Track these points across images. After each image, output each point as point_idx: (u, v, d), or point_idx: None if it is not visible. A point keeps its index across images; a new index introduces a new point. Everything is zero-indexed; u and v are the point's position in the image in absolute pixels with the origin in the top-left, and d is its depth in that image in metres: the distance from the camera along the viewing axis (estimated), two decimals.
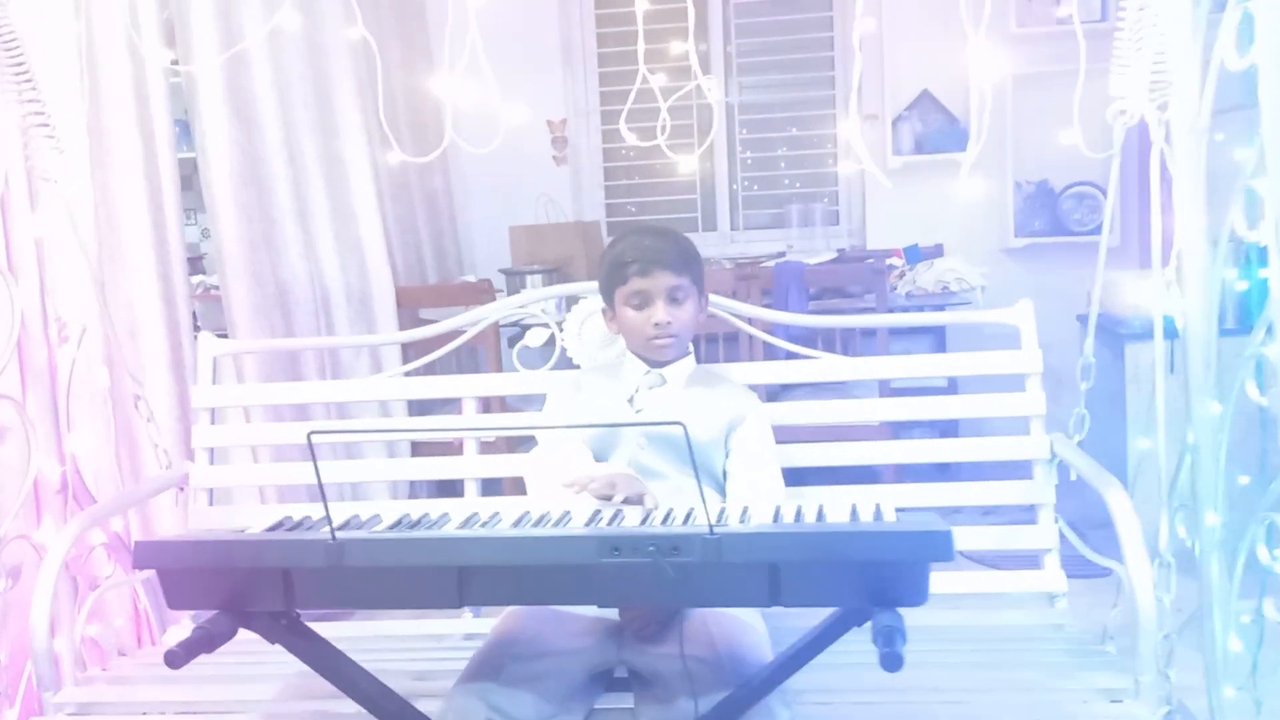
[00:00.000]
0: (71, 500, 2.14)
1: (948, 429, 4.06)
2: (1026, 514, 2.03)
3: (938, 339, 4.51)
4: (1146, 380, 3.17)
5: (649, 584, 1.31)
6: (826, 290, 3.90)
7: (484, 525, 1.48)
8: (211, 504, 2.21)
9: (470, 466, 2.14)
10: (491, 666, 1.56)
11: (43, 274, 2.13)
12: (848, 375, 2.12)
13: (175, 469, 2.19)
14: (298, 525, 1.55)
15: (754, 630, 1.65)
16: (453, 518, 1.54)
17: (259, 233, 3.21)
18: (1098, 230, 4.30)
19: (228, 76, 3.11)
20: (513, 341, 3.98)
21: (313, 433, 1.29)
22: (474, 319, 2.24)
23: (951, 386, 3.78)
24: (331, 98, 3.63)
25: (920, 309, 4.06)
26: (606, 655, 1.65)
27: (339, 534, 1.35)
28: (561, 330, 2.16)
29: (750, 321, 2.24)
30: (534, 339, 2.16)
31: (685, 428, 1.26)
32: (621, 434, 1.85)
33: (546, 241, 4.47)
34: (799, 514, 1.45)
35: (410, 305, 3.85)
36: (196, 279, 3.93)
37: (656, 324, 1.85)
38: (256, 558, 1.38)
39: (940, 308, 4.07)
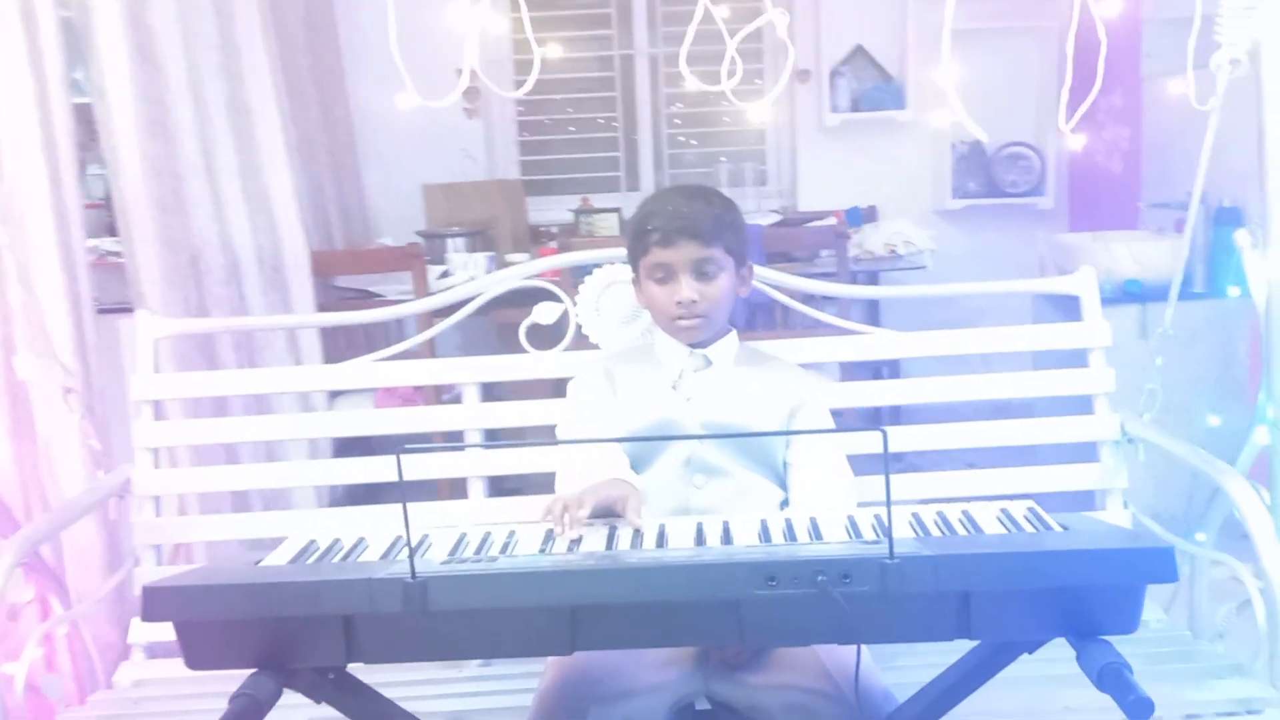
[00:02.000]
0: None
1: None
2: (1079, 502, 1.89)
3: (870, 309, 4.39)
4: (1118, 349, 3.10)
5: (809, 619, 1.09)
6: (773, 255, 3.71)
7: (575, 551, 1.23)
8: (159, 514, 1.87)
9: (475, 464, 1.86)
10: (570, 711, 1.31)
11: None
12: (908, 352, 1.92)
13: (114, 474, 1.83)
14: (326, 553, 1.27)
15: (867, 655, 1.44)
16: (521, 537, 1.29)
17: (168, 190, 2.80)
18: (1032, 192, 4.27)
19: (126, 6, 2.68)
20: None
21: (404, 449, 1.01)
22: (474, 291, 1.94)
23: (893, 369, 3.66)
24: (235, 37, 3.21)
25: (855, 277, 3.93)
26: (692, 686, 1.42)
27: (420, 571, 1.08)
28: (575, 304, 1.89)
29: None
30: (545, 314, 1.89)
31: (885, 435, 1.03)
32: (674, 429, 1.61)
33: (466, 201, 4.14)
34: (945, 523, 1.25)
35: (326, 273, 3.48)
36: (91, 243, 3.45)
37: (679, 302, 1.61)
38: (313, 604, 1.09)
39: (873, 275, 3.95)
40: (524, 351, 1.89)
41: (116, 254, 2.86)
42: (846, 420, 2.28)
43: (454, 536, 1.29)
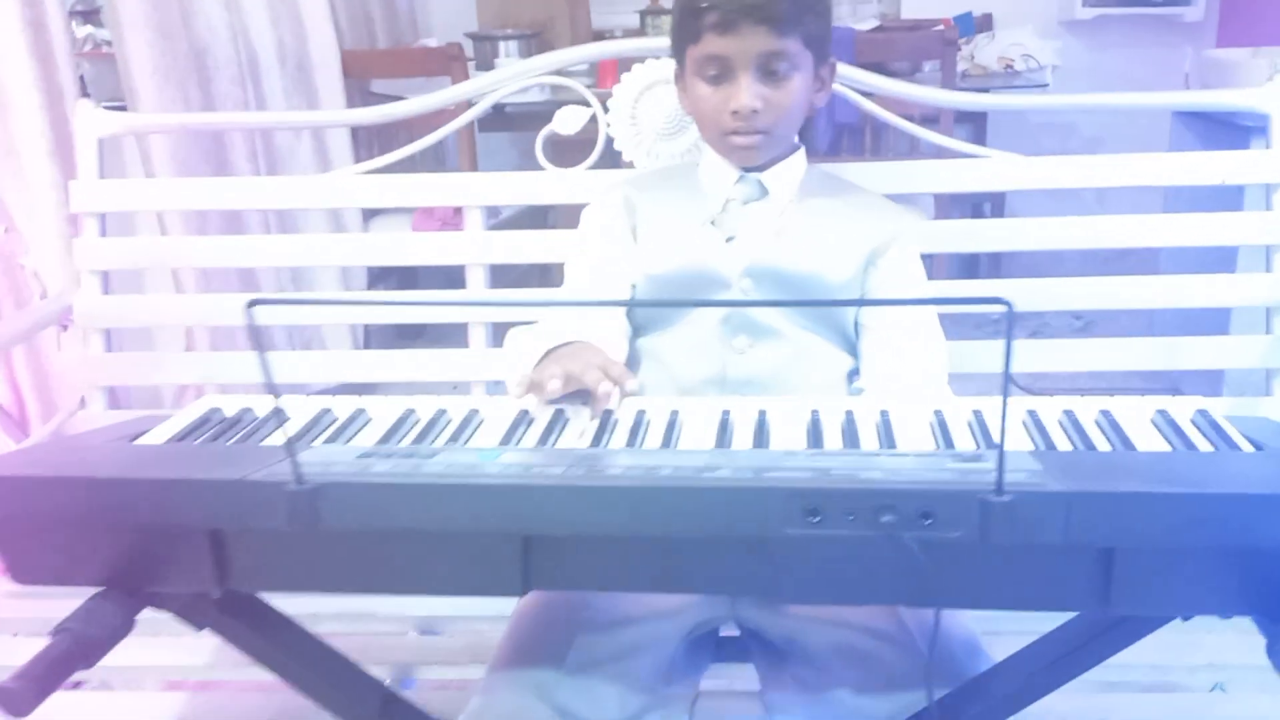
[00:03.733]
0: None
1: None
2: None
3: (977, 128, 3.88)
4: None
5: (868, 573, 0.75)
6: (866, 67, 3.21)
7: (544, 448, 0.89)
8: (110, 349, 1.58)
9: (477, 309, 1.52)
10: (552, 645, 1.00)
11: None
12: (1043, 182, 1.48)
13: (55, 299, 1.54)
14: (232, 428, 0.95)
15: None
16: (487, 417, 0.96)
17: None
18: (1181, 1, 3.65)
19: None
20: (485, 126, 3.30)
21: (255, 302, 0.67)
22: (477, 89, 1.56)
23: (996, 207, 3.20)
24: None
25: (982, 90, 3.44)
26: (715, 610, 1.10)
27: (310, 473, 0.75)
28: (607, 110, 1.50)
29: (871, 97, 1.58)
30: (566, 122, 1.50)
31: (1010, 309, 0.65)
32: (706, 279, 1.24)
33: (520, 1, 3.68)
34: (1077, 429, 0.88)
35: (359, 75, 3.10)
36: (84, 31, 3.12)
37: (735, 111, 1.21)
38: (165, 511, 0.78)
39: (984, 90, 3.45)
40: (540, 169, 1.52)
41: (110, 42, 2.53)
42: (939, 267, 1.85)
43: (396, 414, 0.97)
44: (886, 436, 0.88)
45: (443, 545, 0.78)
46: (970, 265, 3.42)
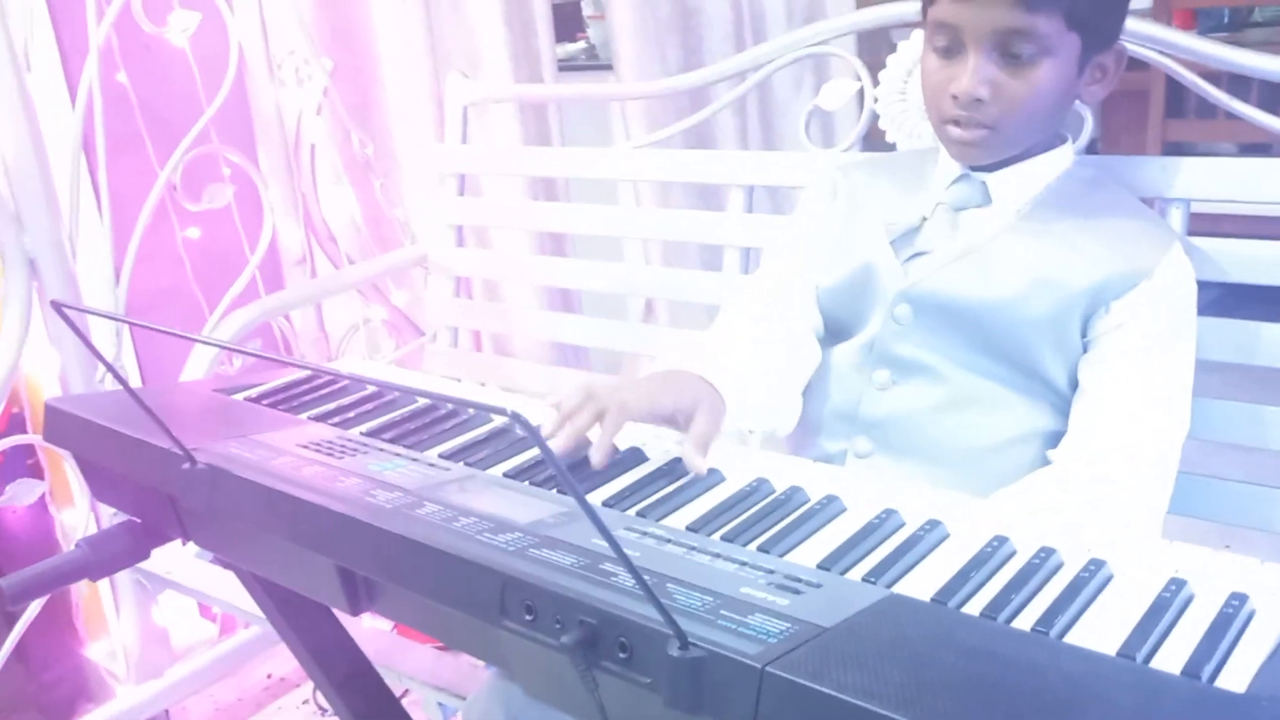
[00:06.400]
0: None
1: None
2: None
3: None
4: None
5: (569, 686, 0.62)
6: None
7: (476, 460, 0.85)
8: (458, 295, 1.77)
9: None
10: (499, 697, 0.97)
11: None
12: None
13: (411, 248, 1.77)
14: (303, 395, 1.04)
15: None
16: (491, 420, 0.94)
17: None
18: None
19: None
20: None
21: (58, 304, 0.73)
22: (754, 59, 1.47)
23: None
24: None
25: None
26: None
27: (201, 458, 0.82)
28: (876, 84, 1.32)
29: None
30: (830, 97, 1.35)
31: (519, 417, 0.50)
32: (865, 298, 1.06)
33: None
34: (1020, 584, 0.63)
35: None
36: None
37: (955, 96, 0.98)
38: (134, 467, 0.90)
39: None
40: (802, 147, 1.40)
41: None
42: None
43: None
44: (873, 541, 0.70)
45: (291, 550, 0.80)
46: None
